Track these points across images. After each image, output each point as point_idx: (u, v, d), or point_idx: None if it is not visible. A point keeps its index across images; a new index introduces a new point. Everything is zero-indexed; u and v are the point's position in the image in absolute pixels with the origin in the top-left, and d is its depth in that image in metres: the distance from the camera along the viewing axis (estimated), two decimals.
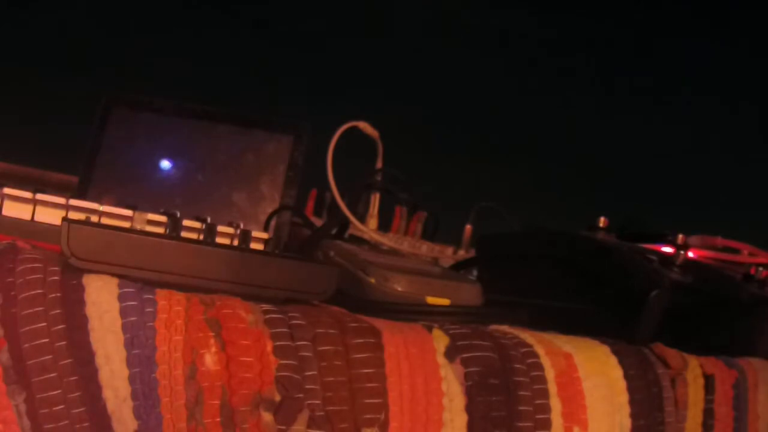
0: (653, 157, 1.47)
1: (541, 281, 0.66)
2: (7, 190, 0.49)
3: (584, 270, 0.63)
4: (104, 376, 0.40)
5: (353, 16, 1.43)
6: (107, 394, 0.40)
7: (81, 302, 0.41)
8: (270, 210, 0.77)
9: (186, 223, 0.50)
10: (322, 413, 0.43)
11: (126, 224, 0.49)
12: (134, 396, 0.40)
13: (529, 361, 0.49)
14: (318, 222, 0.79)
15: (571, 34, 1.48)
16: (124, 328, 0.41)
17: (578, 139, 1.45)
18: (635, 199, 1.40)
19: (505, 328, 0.52)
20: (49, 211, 0.49)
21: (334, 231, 0.71)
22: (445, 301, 0.55)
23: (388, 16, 1.44)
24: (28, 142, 1.13)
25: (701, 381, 0.55)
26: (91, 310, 0.41)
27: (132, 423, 0.40)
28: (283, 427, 0.41)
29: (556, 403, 0.49)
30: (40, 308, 0.40)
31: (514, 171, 1.38)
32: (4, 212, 0.49)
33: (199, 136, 0.81)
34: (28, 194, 0.49)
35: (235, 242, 0.51)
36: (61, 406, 0.39)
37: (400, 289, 0.55)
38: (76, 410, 0.40)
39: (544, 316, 0.56)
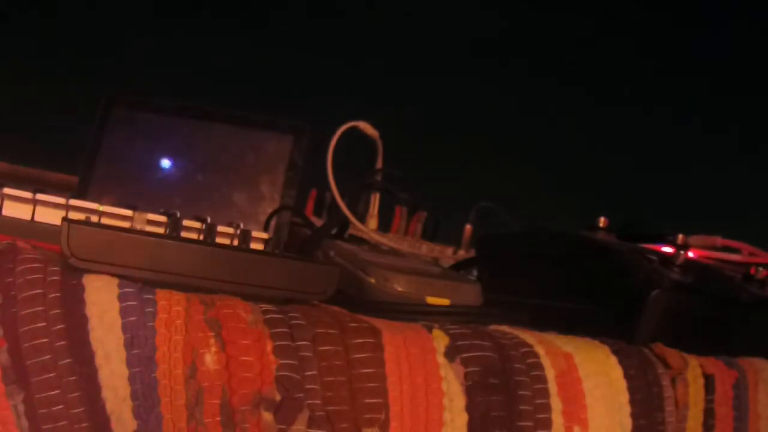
0: (653, 157, 1.47)
1: (541, 281, 0.66)
2: (7, 190, 0.49)
3: (584, 270, 0.63)
4: (104, 375, 0.40)
5: (353, 15, 1.43)
6: (107, 394, 0.40)
7: (81, 302, 0.41)
8: (270, 210, 0.77)
9: (186, 223, 0.50)
10: (322, 413, 0.43)
11: (126, 224, 0.49)
12: (134, 396, 0.40)
13: (529, 361, 0.49)
14: (318, 222, 0.79)
15: (571, 33, 1.48)
16: (124, 328, 0.41)
17: (578, 139, 1.45)
18: (635, 199, 1.40)
19: (505, 328, 0.52)
20: (49, 211, 0.49)
21: (334, 231, 0.71)
22: (445, 301, 0.55)
23: (387, 17, 1.44)
24: (28, 142, 1.13)
25: (701, 381, 0.55)
26: (91, 310, 0.40)
27: (131, 423, 0.40)
28: (283, 427, 0.41)
29: (556, 403, 0.49)
30: (40, 308, 0.40)
31: (514, 171, 1.38)
32: (4, 212, 0.49)
33: (199, 136, 0.81)
34: (28, 194, 0.49)
35: (235, 242, 0.51)
36: (60, 406, 0.39)
37: (400, 289, 0.55)
38: (75, 410, 0.40)
39: (544, 316, 0.56)
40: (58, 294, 0.40)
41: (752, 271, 0.65)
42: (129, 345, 0.40)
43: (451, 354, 0.47)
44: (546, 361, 0.49)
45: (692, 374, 0.55)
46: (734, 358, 0.58)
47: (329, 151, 0.83)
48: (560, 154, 1.45)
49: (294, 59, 1.42)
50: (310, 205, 0.93)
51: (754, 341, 0.62)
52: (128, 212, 0.50)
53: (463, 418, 0.46)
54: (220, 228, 0.50)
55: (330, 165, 0.82)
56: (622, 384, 0.51)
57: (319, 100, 1.33)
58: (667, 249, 0.64)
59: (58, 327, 0.40)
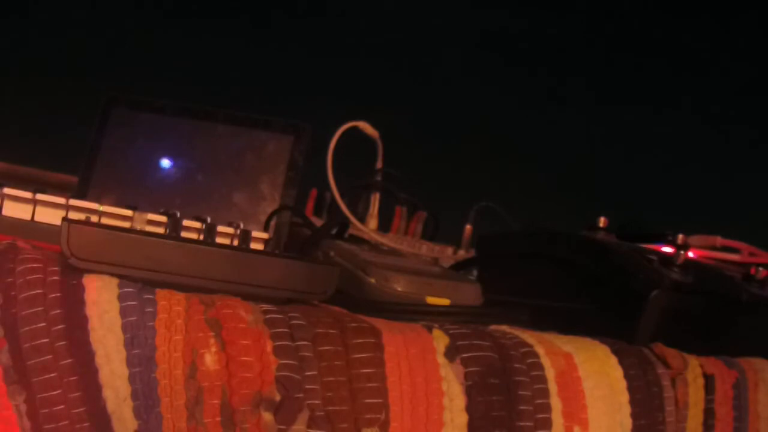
0: (653, 157, 1.47)
1: (541, 281, 0.66)
2: (7, 190, 0.49)
3: (584, 270, 0.63)
4: (104, 375, 0.40)
5: (353, 15, 1.43)
6: (107, 393, 0.40)
7: (81, 302, 0.41)
8: (270, 210, 0.77)
9: (186, 223, 0.50)
10: (322, 413, 0.43)
11: (126, 224, 0.49)
12: (134, 396, 0.40)
13: (529, 360, 0.49)
14: (318, 222, 0.79)
15: (570, 33, 1.48)
16: (124, 328, 0.41)
17: (578, 139, 1.45)
18: (635, 199, 1.40)
19: (505, 328, 0.52)
20: (49, 211, 0.49)
21: (334, 231, 0.71)
22: (445, 301, 0.55)
23: (388, 16, 1.44)
24: (28, 142, 1.13)
25: (701, 381, 0.55)
26: (91, 310, 0.41)
27: (132, 423, 0.40)
28: (284, 427, 0.41)
29: (556, 403, 0.49)
30: (40, 308, 0.40)
31: (514, 171, 1.38)
32: (4, 212, 0.49)
33: (199, 136, 0.81)
34: (28, 194, 0.49)
35: (235, 242, 0.51)
36: (62, 406, 0.39)
37: (400, 289, 0.55)
38: (76, 410, 0.40)
39: (544, 316, 0.56)
40: (58, 294, 0.40)
41: (752, 271, 0.65)
42: (129, 345, 0.40)
43: (451, 354, 0.47)
44: (546, 361, 0.49)
45: (692, 374, 0.55)
46: (734, 358, 0.58)
47: (329, 151, 0.83)
48: (560, 154, 1.45)
49: (294, 59, 1.42)
50: (310, 205, 0.93)
51: (754, 341, 0.62)
52: (128, 212, 0.50)
53: (463, 418, 0.46)
54: (220, 228, 0.50)
55: (330, 165, 0.82)
56: (623, 384, 0.51)
57: (319, 100, 1.33)
58: (667, 249, 0.64)
59: (58, 327, 0.40)
